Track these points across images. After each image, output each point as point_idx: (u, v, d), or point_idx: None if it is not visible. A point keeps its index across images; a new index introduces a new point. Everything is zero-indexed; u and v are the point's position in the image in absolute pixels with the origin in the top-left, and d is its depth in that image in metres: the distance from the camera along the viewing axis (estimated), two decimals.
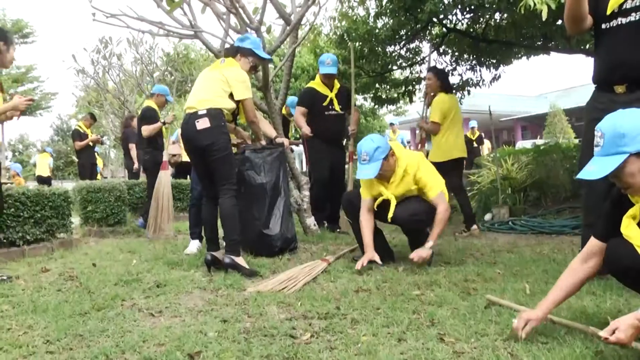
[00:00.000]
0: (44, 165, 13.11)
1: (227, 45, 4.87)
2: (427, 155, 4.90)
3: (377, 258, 3.36)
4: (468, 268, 3.29)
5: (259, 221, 4.01)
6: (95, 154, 11.66)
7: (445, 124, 5.09)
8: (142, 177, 9.05)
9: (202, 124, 3.40)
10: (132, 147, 9.16)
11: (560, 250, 3.92)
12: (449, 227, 5.82)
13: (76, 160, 11.04)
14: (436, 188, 3.45)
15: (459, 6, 5.85)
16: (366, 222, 3.54)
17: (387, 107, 21.65)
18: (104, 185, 6.32)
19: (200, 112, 3.47)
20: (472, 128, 12.33)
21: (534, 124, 23.59)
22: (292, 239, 4.17)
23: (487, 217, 5.90)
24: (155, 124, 6.13)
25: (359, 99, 16.60)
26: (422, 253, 3.30)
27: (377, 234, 3.78)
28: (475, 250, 4.10)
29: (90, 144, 9.40)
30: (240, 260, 3.39)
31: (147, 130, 6.10)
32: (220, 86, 3.55)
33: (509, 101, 26.82)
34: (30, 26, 21.91)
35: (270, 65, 4.77)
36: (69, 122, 32.33)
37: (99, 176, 11.10)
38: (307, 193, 4.92)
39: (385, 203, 3.47)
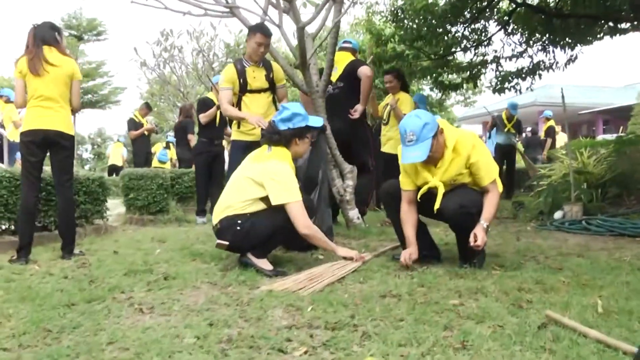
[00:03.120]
0: (117, 154, 13.45)
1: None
2: None
3: (415, 255, 2.90)
4: (526, 274, 2.71)
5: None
6: (170, 144, 11.73)
7: None
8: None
9: (221, 246, 3.02)
10: (191, 138, 9.10)
11: None
12: (514, 226, 5.19)
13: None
14: (491, 174, 2.92)
15: None
16: (407, 217, 3.05)
17: (454, 98, 20.72)
18: (147, 172, 6.21)
19: (215, 229, 3.08)
20: (542, 118, 11.34)
21: (618, 118, 21.62)
22: (326, 232, 3.73)
23: (557, 215, 5.16)
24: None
25: (423, 86, 15.61)
26: (481, 233, 2.75)
27: (420, 228, 3.27)
28: (539, 252, 3.49)
29: (145, 133, 9.43)
30: (263, 263, 2.95)
31: (204, 117, 6.09)
32: (249, 189, 2.98)
33: (590, 92, 24.78)
34: (103, 24, 22.86)
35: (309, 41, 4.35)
36: (148, 118, 33.74)
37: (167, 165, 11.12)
38: (350, 183, 4.47)
39: (429, 194, 2.96)
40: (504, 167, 8.08)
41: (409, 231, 3.02)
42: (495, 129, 8.37)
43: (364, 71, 4.70)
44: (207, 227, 5.61)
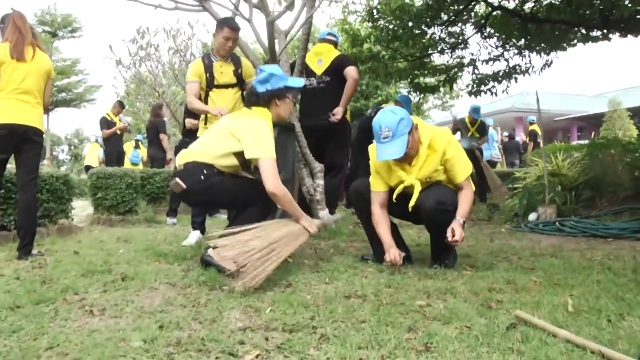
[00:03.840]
0: (93, 155, 13.05)
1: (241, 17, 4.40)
2: None
3: (400, 254, 2.79)
4: (497, 274, 2.64)
5: None
6: (140, 143, 11.44)
7: None
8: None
9: (176, 187, 2.84)
10: (164, 138, 8.92)
11: (617, 256, 3.18)
12: (488, 227, 5.16)
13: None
14: (466, 170, 2.86)
15: None
16: (381, 220, 2.93)
17: (432, 102, 20.82)
18: (116, 171, 6.02)
19: (178, 169, 2.91)
20: (526, 123, 11.55)
21: (591, 124, 22.04)
22: None
23: (532, 216, 5.15)
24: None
25: (401, 88, 15.66)
26: (458, 228, 2.68)
27: (391, 228, 3.18)
28: (512, 253, 3.44)
29: (118, 131, 9.19)
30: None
31: (191, 124, 5.89)
32: (225, 140, 2.83)
33: (565, 100, 25.23)
34: (78, 21, 22.35)
35: (278, 35, 4.24)
36: (124, 118, 33.16)
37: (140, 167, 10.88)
38: (320, 182, 4.36)
39: (401, 194, 2.86)
40: (474, 171, 8.03)
41: (386, 234, 2.89)
42: (459, 133, 8.28)
43: (352, 73, 4.53)
44: (176, 228, 5.47)
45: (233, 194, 2.82)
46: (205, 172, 2.78)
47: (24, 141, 3.46)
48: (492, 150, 11.97)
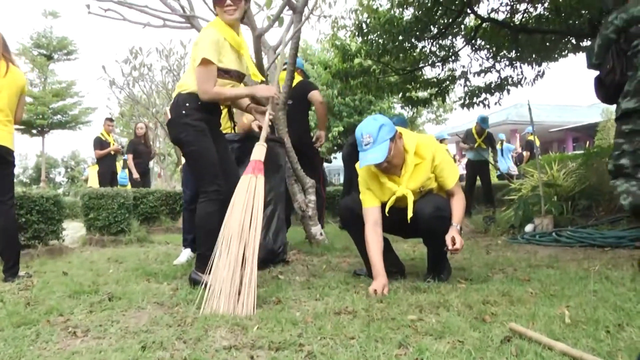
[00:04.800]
0: (95, 177, 13.06)
1: None
2: None
3: (387, 287, 2.59)
4: (492, 286, 2.58)
5: None
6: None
7: None
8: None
9: (165, 117, 2.91)
10: (129, 158, 8.90)
11: (616, 265, 3.13)
12: (484, 240, 5.10)
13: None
14: (455, 175, 2.83)
15: None
16: (374, 241, 2.76)
17: (426, 116, 20.89)
18: (108, 191, 5.96)
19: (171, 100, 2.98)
20: (526, 134, 11.62)
21: (586, 135, 22.10)
22: (278, 251, 3.56)
23: (528, 228, 5.09)
24: None
25: (394, 103, 15.65)
26: (458, 236, 2.65)
27: (384, 244, 3.11)
28: (508, 265, 3.37)
29: (112, 153, 9.16)
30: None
31: None
32: (191, 63, 2.89)
33: (560, 111, 25.34)
34: (73, 44, 22.40)
35: (265, 50, 4.25)
36: (119, 139, 33.16)
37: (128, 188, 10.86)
38: (312, 198, 4.32)
39: (394, 210, 2.78)
40: (478, 182, 7.96)
41: (377, 259, 2.71)
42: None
43: (317, 97, 4.87)
44: (168, 247, 5.39)
45: (199, 159, 2.82)
46: (187, 105, 2.79)
47: None
48: (508, 164, 11.96)
